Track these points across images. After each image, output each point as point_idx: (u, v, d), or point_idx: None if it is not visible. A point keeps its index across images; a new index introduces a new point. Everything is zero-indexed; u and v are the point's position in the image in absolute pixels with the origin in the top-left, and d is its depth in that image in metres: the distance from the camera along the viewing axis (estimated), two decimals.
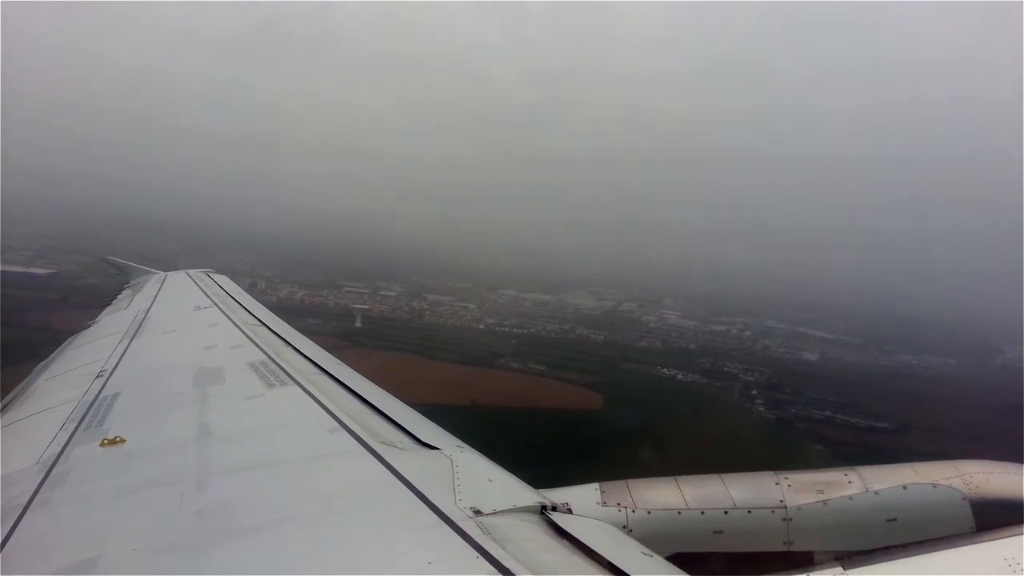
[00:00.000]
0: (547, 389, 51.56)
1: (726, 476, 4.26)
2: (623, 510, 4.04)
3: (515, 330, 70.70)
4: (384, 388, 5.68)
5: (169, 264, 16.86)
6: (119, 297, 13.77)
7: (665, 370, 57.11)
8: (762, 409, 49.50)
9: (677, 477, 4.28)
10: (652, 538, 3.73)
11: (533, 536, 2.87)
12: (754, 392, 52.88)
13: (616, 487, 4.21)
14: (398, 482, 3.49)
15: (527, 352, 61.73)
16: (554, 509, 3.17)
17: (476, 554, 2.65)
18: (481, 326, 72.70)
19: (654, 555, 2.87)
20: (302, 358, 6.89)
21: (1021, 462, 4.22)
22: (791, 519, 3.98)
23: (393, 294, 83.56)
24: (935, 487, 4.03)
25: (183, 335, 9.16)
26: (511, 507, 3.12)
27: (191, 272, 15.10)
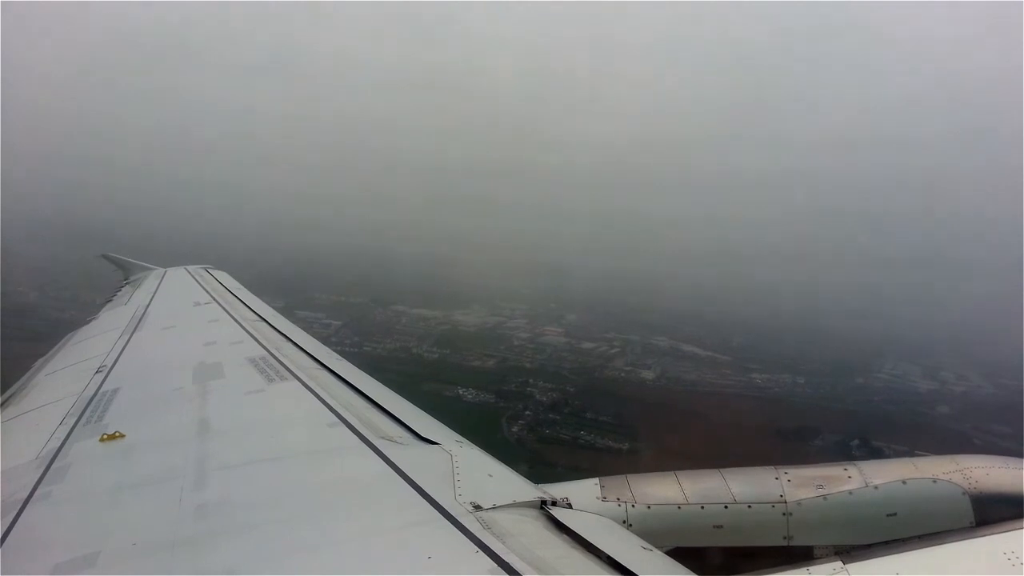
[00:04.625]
0: None
1: (726, 471, 4.26)
2: (623, 505, 4.05)
3: (352, 349, 63.56)
4: None
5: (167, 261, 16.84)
6: (119, 293, 13.77)
7: (461, 389, 54.54)
8: (515, 431, 48.19)
9: (677, 472, 4.29)
10: (652, 533, 3.74)
11: (533, 531, 2.87)
12: (528, 413, 51.35)
13: (616, 482, 4.21)
14: (398, 477, 3.49)
15: None
16: (554, 504, 3.16)
17: (476, 549, 2.64)
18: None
19: (654, 549, 2.87)
20: (302, 353, 6.89)
21: (1021, 457, 4.23)
22: (791, 514, 3.99)
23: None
24: (935, 482, 4.03)
25: (183, 331, 9.16)
26: (511, 502, 3.12)
27: (190, 268, 15.10)
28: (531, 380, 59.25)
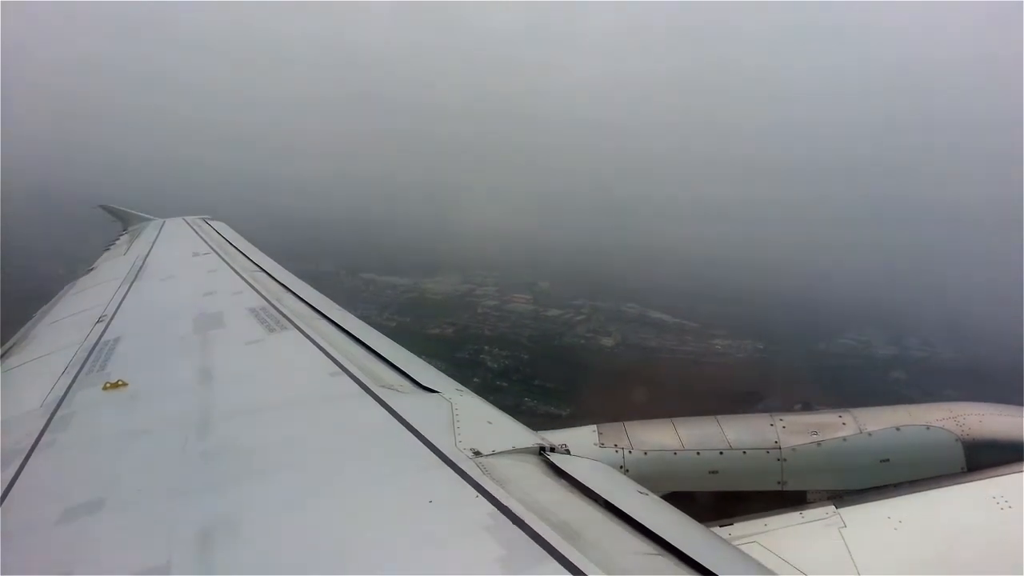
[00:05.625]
0: None
1: (722, 418, 4.32)
2: (620, 451, 4.11)
3: None
4: None
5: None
6: (117, 243, 13.73)
7: None
8: None
9: (673, 419, 4.34)
10: (648, 478, 3.81)
11: (531, 476, 2.91)
12: (476, 380, 49.15)
13: (613, 428, 4.27)
14: (399, 424, 3.53)
15: None
16: (552, 450, 3.20)
17: (476, 493, 2.69)
18: None
19: (650, 494, 2.92)
20: (302, 303, 6.90)
21: (1017, 404, 4.27)
22: (785, 460, 4.06)
23: None
24: (928, 428, 4.09)
25: (182, 281, 9.15)
26: (510, 448, 3.16)
27: (188, 219, 15.01)
28: (486, 347, 58.65)
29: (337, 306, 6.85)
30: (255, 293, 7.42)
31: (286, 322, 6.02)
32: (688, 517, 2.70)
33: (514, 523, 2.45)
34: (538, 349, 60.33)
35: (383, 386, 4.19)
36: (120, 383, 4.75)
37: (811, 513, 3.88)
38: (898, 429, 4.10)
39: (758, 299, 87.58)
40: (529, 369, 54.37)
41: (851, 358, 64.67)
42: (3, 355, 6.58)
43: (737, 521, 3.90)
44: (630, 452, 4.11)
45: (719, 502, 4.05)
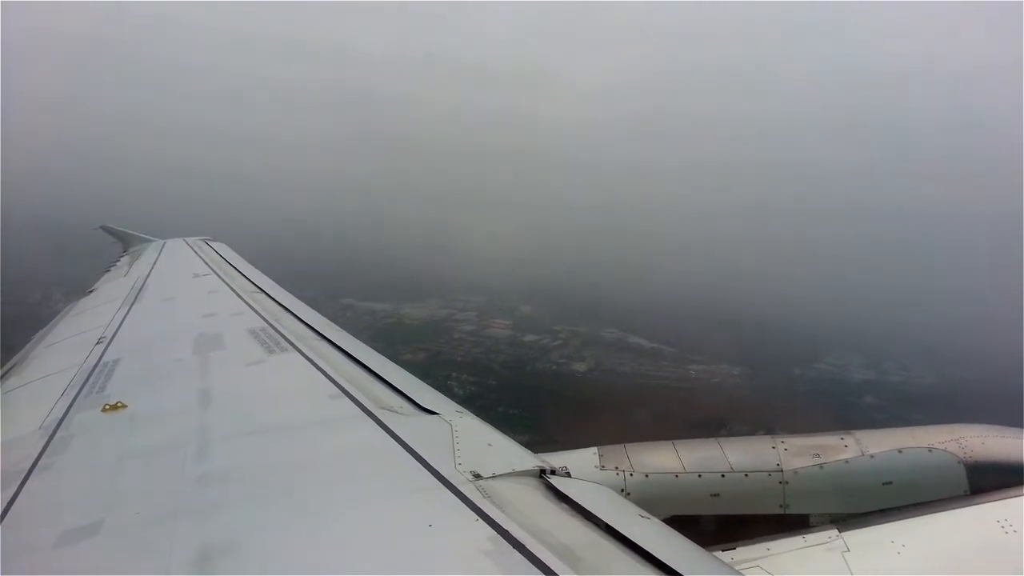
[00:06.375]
0: None
1: (723, 440, 4.30)
2: (621, 473, 4.09)
3: None
4: None
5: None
6: (117, 264, 13.77)
7: None
8: None
9: (675, 441, 4.32)
10: (649, 501, 3.78)
11: (532, 499, 2.89)
12: None
13: (614, 451, 4.25)
14: (398, 446, 3.51)
15: None
16: (553, 473, 3.19)
17: (476, 517, 2.67)
18: None
19: (651, 517, 2.90)
20: (302, 324, 6.90)
21: (1018, 426, 4.25)
22: (787, 482, 4.03)
23: None
24: (930, 451, 4.07)
25: (182, 302, 9.17)
26: (510, 471, 3.14)
27: (189, 240, 15.06)
28: (454, 374, 57.63)
29: (337, 327, 6.86)
30: (255, 314, 7.43)
31: (286, 343, 6.02)
32: (691, 542, 2.68)
33: (514, 547, 2.43)
34: (508, 375, 59.61)
35: (383, 408, 4.17)
36: (119, 405, 4.74)
37: (814, 537, 3.85)
38: (900, 451, 4.08)
39: (746, 320, 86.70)
40: (495, 395, 53.62)
41: (825, 383, 63.87)
42: (3, 376, 6.57)
43: (739, 545, 3.87)
44: (631, 475, 4.09)
45: (721, 526, 4.02)
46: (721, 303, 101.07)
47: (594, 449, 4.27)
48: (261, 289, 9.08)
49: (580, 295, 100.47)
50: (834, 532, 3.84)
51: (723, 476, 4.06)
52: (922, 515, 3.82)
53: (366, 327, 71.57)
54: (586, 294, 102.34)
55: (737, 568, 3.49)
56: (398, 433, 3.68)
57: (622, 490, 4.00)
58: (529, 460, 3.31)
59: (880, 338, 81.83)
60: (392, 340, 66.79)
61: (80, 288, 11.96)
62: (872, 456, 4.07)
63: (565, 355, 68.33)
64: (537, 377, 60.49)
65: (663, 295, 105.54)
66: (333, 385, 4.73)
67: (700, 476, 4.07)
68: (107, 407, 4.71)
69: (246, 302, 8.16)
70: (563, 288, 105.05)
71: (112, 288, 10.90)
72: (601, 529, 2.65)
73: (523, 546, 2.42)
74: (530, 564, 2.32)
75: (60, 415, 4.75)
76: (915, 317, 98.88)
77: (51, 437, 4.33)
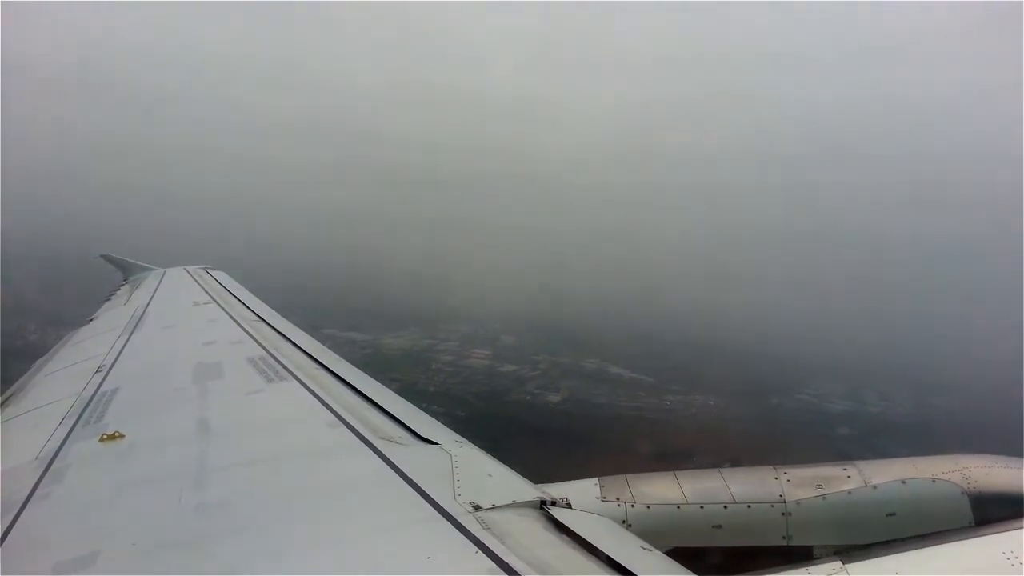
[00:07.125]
0: None
1: (725, 471, 4.27)
2: (622, 505, 4.05)
3: None
4: None
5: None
6: (118, 293, 13.78)
7: None
8: None
9: (676, 472, 4.29)
10: (651, 532, 3.74)
11: (532, 531, 2.87)
12: None
13: (615, 482, 4.21)
14: (397, 477, 3.49)
15: None
16: (553, 504, 3.16)
17: (476, 549, 2.64)
18: None
19: (653, 549, 2.88)
20: (301, 353, 6.90)
21: (1021, 456, 4.23)
22: (790, 514, 3.99)
23: None
24: (934, 482, 4.03)
25: (182, 331, 9.16)
26: (510, 502, 3.12)
27: (189, 268, 15.10)
28: (425, 405, 55.12)
29: (336, 356, 6.85)
30: (255, 343, 7.42)
31: (285, 372, 6.01)
32: (693, 575, 2.65)
33: None
34: (480, 405, 58.40)
35: (382, 438, 4.16)
36: (117, 434, 4.72)
37: (817, 569, 3.80)
38: (904, 482, 4.05)
39: (731, 350, 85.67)
40: (462, 427, 52.14)
41: (802, 413, 62.93)
42: (1, 405, 6.55)
43: None
44: (632, 506, 4.05)
45: (724, 558, 3.97)
46: (708, 331, 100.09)
47: (595, 480, 4.24)
48: (261, 317, 9.09)
49: (565, 324, 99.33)
50: (838, 564, 3.80)
51: (725, 507, 4.02)
52: (926, 547, 3.78)
53: (343, 356, 71.67)
54: (571, 323, 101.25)
55: None
56: (397, 463, 3.66)
57: (623, 521, 3.96)
58: (529, 491, 3.29)
59: (861, 365, 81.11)
60: (369, 371, 66.50)
61: (80, 317, 11.96)
62: (875, 487, 4.04)
63: (541, 385, 67.29)
64: (508, 408, 59.36)
65: (649, 323, 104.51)
66: (332, 414, 4.72)
67: (702, 507, 4.03)
68: (105, 437, 4.69)
69: (246, 330, 8.16)
70: (549, 317, 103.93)
71: (112, 316, 10.90)
72: (602, 562, 2.62)
73: None
74: None
75: (57, 445, 4.73)
76: (898, 343, 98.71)
77: (48, 467, 4.31)
